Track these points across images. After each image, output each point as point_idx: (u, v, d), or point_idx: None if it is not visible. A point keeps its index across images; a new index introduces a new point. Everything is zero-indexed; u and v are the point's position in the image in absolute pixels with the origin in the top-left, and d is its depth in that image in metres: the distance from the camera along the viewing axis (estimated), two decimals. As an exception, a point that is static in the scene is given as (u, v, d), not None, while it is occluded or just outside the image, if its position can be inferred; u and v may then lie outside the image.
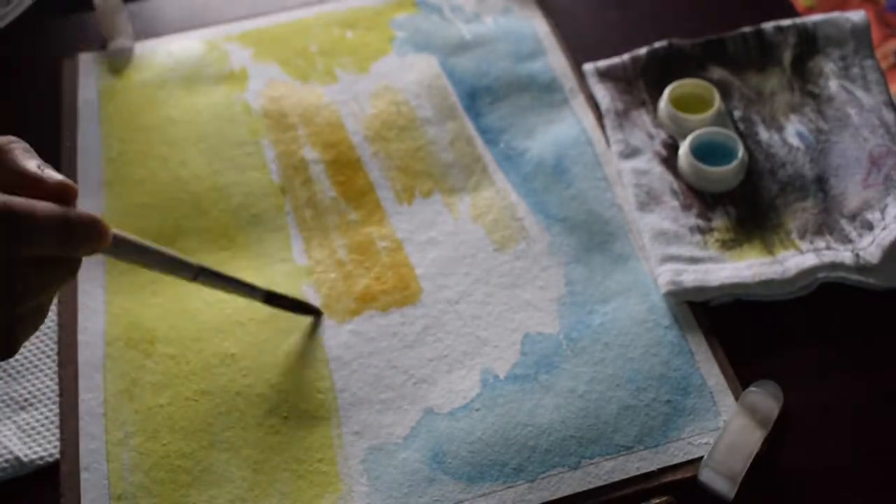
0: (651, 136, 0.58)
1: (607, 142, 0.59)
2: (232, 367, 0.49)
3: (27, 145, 0.34)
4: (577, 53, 0.64)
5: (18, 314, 0.32)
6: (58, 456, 0.46)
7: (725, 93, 0.60)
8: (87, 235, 0.33)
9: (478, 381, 0.48)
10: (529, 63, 0.64)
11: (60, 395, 0.48)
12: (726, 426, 0.45)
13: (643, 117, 0.59)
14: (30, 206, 0.31)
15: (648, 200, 0.55)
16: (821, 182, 0.55)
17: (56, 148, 0.60)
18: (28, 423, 0.47)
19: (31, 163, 0.34)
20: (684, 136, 0.57)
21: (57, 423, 0.47)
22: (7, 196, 0.31)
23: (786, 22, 0.61)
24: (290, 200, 0.57)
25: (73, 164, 0.59)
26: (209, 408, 0.48)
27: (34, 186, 0.33)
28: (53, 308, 0.52)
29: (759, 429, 0.45)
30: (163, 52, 0.65)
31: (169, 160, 0.59)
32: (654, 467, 0.45)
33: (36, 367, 0.50)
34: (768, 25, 0.61)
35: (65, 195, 0.34)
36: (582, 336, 0.50)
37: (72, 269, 0.34)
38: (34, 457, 0.46)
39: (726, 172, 0.54)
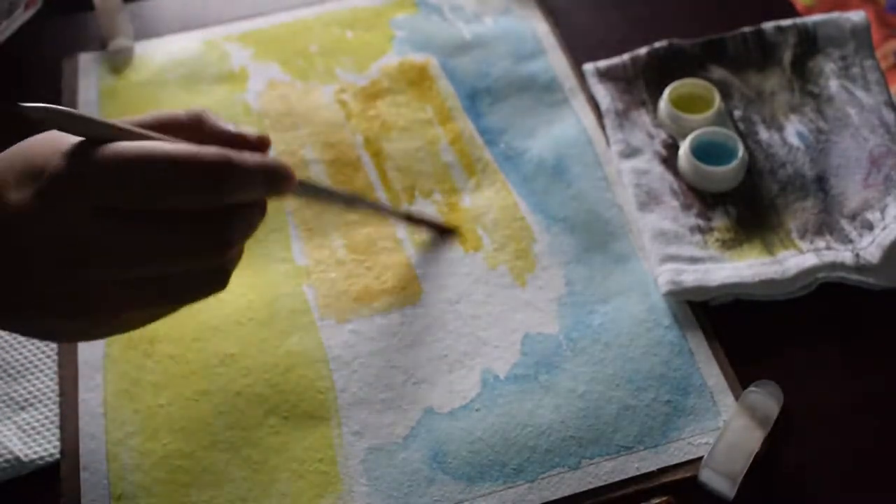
0: (651, 136, 0.58)
1: (607, 142, 0.59)
2: (232, 367, 0.49)
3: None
4: (577, 53, 0.64)
5: (231, 256, 0.36)
6: (58, 456, 0.46)
7: (725, 93, 0.60)
8: (283, 178, 0.37)
9: (478, 382, 0.48)
10: (529, 63, 0.64)
11: (60, 395, 0.48)
12: (726, 426, 0.45)
13: (643, 117, 0.59)
14: (241, 156, 0.34)
15: (648, 200, 0.55)
16: (821, 182, 0.55)
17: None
18: (28, 423, 0.47)
19: (229, 124, 0.37)
20: (684, 136, 0.57)
21: (57, 423, 0.47)
22: (222, 149, 0.34)
23: (786, 22, 0.61)
24: (290, 200, 0.57)
25: (73, 164, 0.59)
26: (209, 408, 0.48)
27: (236, 143, 0.36)
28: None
29: (759, 429, 0.45)
30: (163, 52, 0.65)
31: (169, 160, 0.59)
32: (654, 467, 0.45)
33: (36, 367, 0.50)
34: (768, 25, 0.61)
35: (264, 147, 0.38)
36: (582, 336, 0.50)
37: (262, 212, 0.37)
38: (34, 457, 0.46)
39: (726, 172, 0.54)
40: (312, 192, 0.44)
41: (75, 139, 0.33)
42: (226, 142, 0.36)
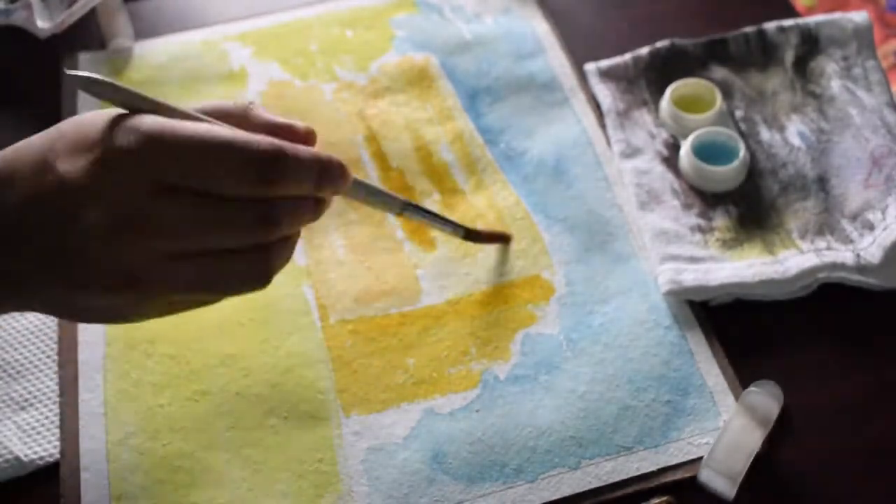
0: (652, 136, 0.58)
1: (607, 141, 0.59)
2: (232, 367, 0.49)
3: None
4: (577, 53, 0.64)
5: (272, 243, 0.36)
6: (58, 456, 0.46)
7: (727, 92, 0.60)
8: (336, 175, 0.37)
9: (478, 382, 0.48)
10: (529, 63, 0.63)
11: (60, 395, 0.48)
12: (726, 426, 0.45)
13: (645, 117, 0.59)
14: (295, 148, 0.35)
15: (649, 200, 0.55)
16: (822, 182, 0.55)
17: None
18: (28, 423, 0.47)
19: (277, 116, 0.37)
20: (686, 136, 0.57)
21: (57, 423, 0.47)
22: (276, 140, 0.34)
23: (788, 22, 0.61)
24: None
25: (73, 164, 0.59)
26: (209, 408, 0.48)
27: (285, 134, 0.37)
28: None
29: (759, 429, 0.45)
30: (163, 52, 0.65)
31: (169, 160, 0.59)
32: (654, 467, 0.45)
33: (36, 367, 0.50)
34: (770, 25, 0.61)
35: (312, 140, 0.38)
36: (582, 336, 0.50)
37: (319, 209, 0.37)
38: (34, 457, 0.46)
39: (727, 172, 0.54)
40: (367, 191, 0.41)
41: (130, 116, 0.33)
42: (274, 132, 0.36)
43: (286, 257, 0.37)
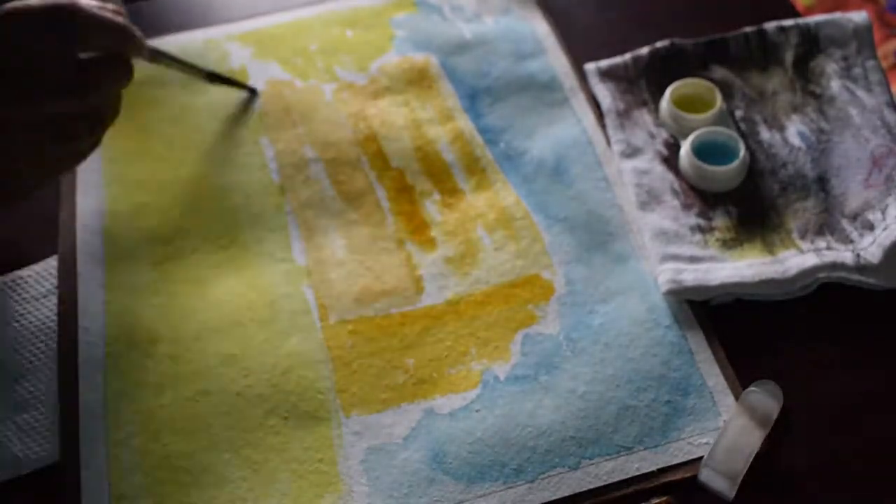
0: (652, 136, 0.58)
1: (608, 141, 0.59)
2: (232, 367, 0.49)
3: None
4: (578, 53, 0.64)
5: (95, 105, 0.46)
6: (58, 456, 0.46)
7: (727, 92, 0.60)
8: (128, 36, 0.46)
9: (478, 382, 0.48)
10: (529, 63, 0.64)
11: (60, 396, 0.48)
12: (726, 426, 0.45)
13: (645, 117, 0.59)
14: (90, 4, 0.43)
15: (649, 200, 0.55)
16: (822, 182, 0.55)
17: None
18: (28, 423, 0.47)
19: None
20: (686, 136, 0.57)
21: (57, 423, 0.47)
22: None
23: (788, 22, 0.61)
24: (290, 200, 0.57)
25: (73, 164, 0.59)
26: (209, 408, 0.48)
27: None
28: (53, 308, 0.52)
29: (759, 429, 0.45)
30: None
31: (168, 160, 0.59)
32: (654, 467, 0.45)
33: (36, 367, 0.50)
34: (770, 25, 0.61)
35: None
36: (582, 336, 0.50)
37: (127, 70, 0.46)
38: (34, 457, 0.46)
39: (727, 172, 0.54)
40: (164, 58, 0.54)
41: None
42: None
43: (115, 114, 0.47)
